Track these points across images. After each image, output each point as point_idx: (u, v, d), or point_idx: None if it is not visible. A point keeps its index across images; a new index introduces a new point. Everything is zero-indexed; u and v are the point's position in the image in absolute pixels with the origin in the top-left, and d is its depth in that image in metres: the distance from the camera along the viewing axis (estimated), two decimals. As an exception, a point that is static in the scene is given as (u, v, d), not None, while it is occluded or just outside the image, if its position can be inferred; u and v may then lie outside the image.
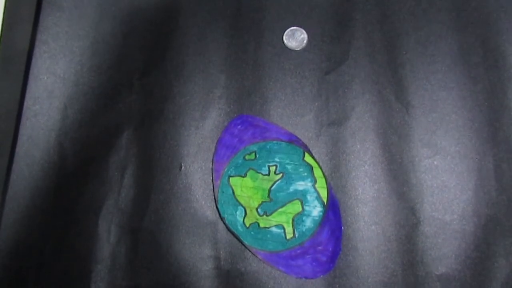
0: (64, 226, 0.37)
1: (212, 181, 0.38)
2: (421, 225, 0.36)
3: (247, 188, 0.37)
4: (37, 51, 0.41)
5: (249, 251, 0.36)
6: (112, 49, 0.42)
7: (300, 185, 0.36)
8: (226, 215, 0.36)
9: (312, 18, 0.41)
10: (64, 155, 0.39)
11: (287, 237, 0.36)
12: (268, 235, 0.36)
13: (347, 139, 0.38)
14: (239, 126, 0.38)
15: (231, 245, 0.36)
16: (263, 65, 0.40)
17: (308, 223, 0.35)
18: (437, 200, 0.37)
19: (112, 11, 0.42)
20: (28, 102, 0.40)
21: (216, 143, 0.38)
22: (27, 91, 0.40)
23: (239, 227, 0.36)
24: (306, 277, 0.35)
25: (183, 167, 0.38)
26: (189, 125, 0.39)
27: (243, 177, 0.37)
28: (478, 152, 0.38)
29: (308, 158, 0.36)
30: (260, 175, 0.37)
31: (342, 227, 0.36)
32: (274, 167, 0.37)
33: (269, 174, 0.37)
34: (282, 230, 0.36)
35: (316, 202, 0.36)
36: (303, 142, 0.37)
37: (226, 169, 0.37)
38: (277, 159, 0.37)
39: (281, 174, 0.37)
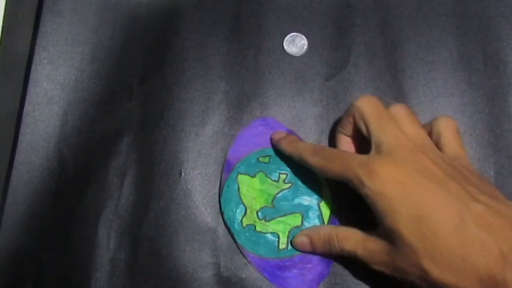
0: (63, 232, 0.37)
1: (222, 173, 0.38)
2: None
3: (253, 188, 0.37)
4: (37, 57, 0.41)
5: (240, 251, 0.36)
6: (111, 54, 0.42)
7: (306, 200, 0.36)
8: (226, 210, 0.36)
9: (313, 24, 0.41)
10: (63, 161, 0.39)
11: (280, 247, 0.35)
12: (262, 240, 0.36)
13: (348, 145, 0.38)
14: (261, 128, 0.38)
15: (231, 252, 0.36)
16: (263, 71, 0.40)
17: None
18: (438, 207, 0.37)
19: (112, 17, 0.42)
20: (27, 108, 0.40)
21: (235, 137, 0.38)
22: (27, 97, 0.40)
23: (236, 225, 0.36)
24: None
25: (183, 173, 0.38)
26: (189, 131, 0.39)
27: (252, 177, 0.37)
28: (478, 159, 0.38)
29: (319, 176, 0.36)
30: (269, 179, 0.37)
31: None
32: (285, 176, 0.37)
33: (278, 181, 0.37)
34: (276, 239, 0.36)
35: (316, 221, 0.36)
36: None
37: (237, 165, 0.37)
38: (289, 169, 0.37)
39: (289, 184, 0.36)
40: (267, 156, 0.37)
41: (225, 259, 0.36)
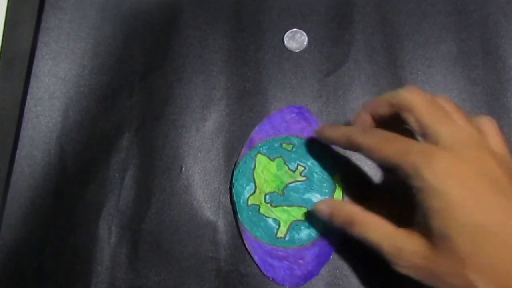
0: (64, 227, 0.37)
1: (242, 147, 0.38)
2: (421, 226, 0.36)
3: (268, 171, 0.37)
4: (38, 53, 0.41)
5: (238, 228, 0.36)
6: (113, 51, 0.42)
7: (316, 198, 0.36)
8: (236, 184, 0.37)
9: (313, 20, 0.41)
10: (64, 156, 0.39)
11: (277, 235, 0.35)
12: (262, 223, 0.36)
13: (347, 140, 0.38)
14: (293, 115, 0.39)
15: (231, 247, 0.36)
16: (263, 66, 0.41)
17: (303, 234, 0.35)
18: (437, 202, 0.37)
19: (113, 14, 0.43)
20: (29, 103, 0.40)
21: (265, 118, 0.39)
22: (29, 92, 0.40)
23: (241, 201, 0.36)
24: (272, 279, 0.35)
25: (183, 169, 0.38)
26: (190, 127, 0.39)
27: (271, 160, 0.37)
28: (478, 154, 0.38)
29: (336, 178, 0.36)
30: (286, 167, 0.37)
31: (331, 257, 0.36)
32: (303, 168, 0.37)
33: (294, 171, 0.37)
34: (277, 226, 0.36)
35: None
36: (340, 161, 0.37)
37: (260, 144, 0.37)
38: (309, 163, 0.37)
39: (305, 178, 0.36)
40: (291, 144, 0.37)
41: (225, 253, 0.36)
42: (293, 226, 0.35)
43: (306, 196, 0.36)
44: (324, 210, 0.33)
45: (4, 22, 0.42)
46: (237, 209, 0.36)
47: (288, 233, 0.35)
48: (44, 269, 0.36)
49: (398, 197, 0.30)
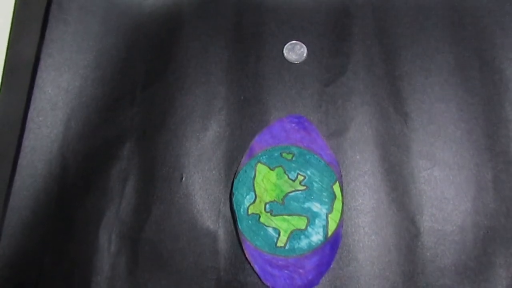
0: (64, 236, 0.37)
1: (243, 156, 0.38)
2: (421, 236, 0.36)
3: (268, 181, 0.37)
4: (42, 64, 0.42)
5: (237, 237, 0.36)
6: (115, 62, 0.42)
7: (316, 207, 0.36)
8: (236, 193, 0.37)
9: (312, 32, 0.42)
10: (66, 165, 0.39)
11: (277, 244, 0.35)
12: (262, 232, 0.36)
13: (347, 150, 0.38)
14: (293, 124, 0.39)
15: (231, 256, 0.36)
16: (263, 77, 0.41)
17: (303, 243, 0.35)
18: (437, 211, 0.37)
19: (115, 26, 0.43)
20: (32, 113, 0.41)
21: (265, 128, 0.39)
22: (32, 102, 0.41)
23: (241, 210, 0.36)
24: None
25: (184, 178, 0.39)
26: (191, 136, 0.40)
27: (271, 169, 0.37)
28: (476, 163, 0.38)
29: (336, 188, 0.36)
30: (286, 176, 0.37)
31: (331, 266, 0.36)
32: (302, 178, 0.37)
33: (294, 180, 0.37)
34: (277, 235, 0.36)
35: (320, 230, 0.36)
36: (340, 170, 0.37)
37: (260, 154, 0.38)
38: (308, 172, 0.37)
39: (304, 187, 0.37)
40: (291, 153, 0.38)
41: (225, 263, 0.36)
42: (293, 235, 0.35)
43: (306, 205, 0.36)
44: None
45: (9, 33, 0.43)
46: (237, 218, 0.36)
47: (288, 242, 0.35)
48: (44, 279, 0.36)
49: None
